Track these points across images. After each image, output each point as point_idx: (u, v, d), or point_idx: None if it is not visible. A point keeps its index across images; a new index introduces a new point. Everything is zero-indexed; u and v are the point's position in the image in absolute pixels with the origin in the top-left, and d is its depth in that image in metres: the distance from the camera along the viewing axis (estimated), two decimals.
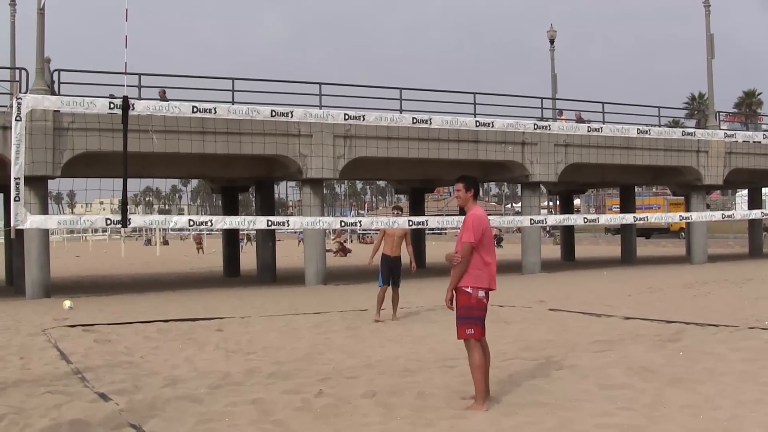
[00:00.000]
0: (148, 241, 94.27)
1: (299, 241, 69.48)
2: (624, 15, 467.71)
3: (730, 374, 9.64)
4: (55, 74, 26.77)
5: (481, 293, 8.66)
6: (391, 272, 17.48)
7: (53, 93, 26.69)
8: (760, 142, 36.41)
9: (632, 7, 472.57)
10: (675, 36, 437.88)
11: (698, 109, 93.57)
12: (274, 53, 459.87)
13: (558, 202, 58.50)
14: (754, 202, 52.42)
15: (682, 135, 16.74)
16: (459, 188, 9.01)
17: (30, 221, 9.84)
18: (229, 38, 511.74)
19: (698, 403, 8.34)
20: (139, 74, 27.55)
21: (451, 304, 8.79)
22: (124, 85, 12.19)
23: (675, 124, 67.01)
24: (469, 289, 8.61)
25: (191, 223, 12.24)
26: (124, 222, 10.32)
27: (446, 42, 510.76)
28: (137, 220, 11.52)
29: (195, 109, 10.90)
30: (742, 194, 71.21)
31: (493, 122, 13.54)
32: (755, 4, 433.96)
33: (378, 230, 19.35)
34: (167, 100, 24.50)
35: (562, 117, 38.67)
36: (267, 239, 35.93)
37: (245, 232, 70.82)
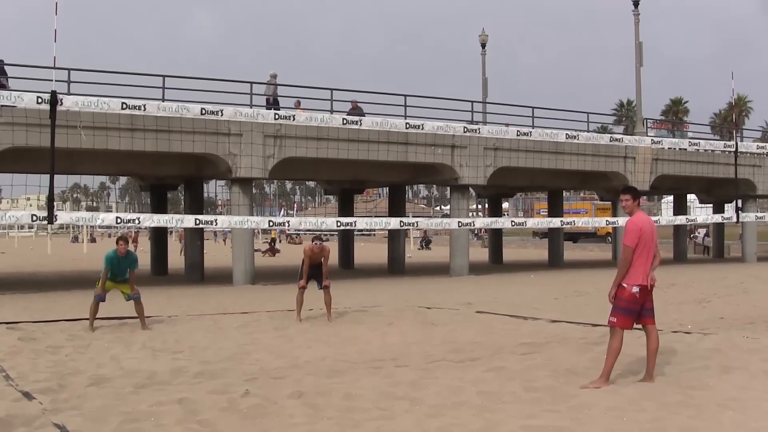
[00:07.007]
0: (75, 239, 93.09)
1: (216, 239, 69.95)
2: (557, 22, 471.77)
3: (653, 377, 9.78)
4: None
5: (635, 288, 9.49)
6: (314, 276, 17.37)
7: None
8: (685, 149, 37.19)
9: (565, 14, 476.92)
10: (606, 43, 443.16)
11: (626, 115, 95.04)
12: (205, 52, 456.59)
13: (487, 206, 58.86)
14: (679, 208, 53.44)
15: (610, 141, 17.02)
16: (627, 198, 9.89)
17: None
18: (160, 36, 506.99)
19: (622, 405, 8.44)
20: (69, 69, 27.12)
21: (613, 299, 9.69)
22: (52, 80, 11.98)
23: (603, 130, 68.05)
24: (624, 285, 9.53)
25: (119, 220, 12.14)
26: (51, 218, 10.20)
27: (381, 44, 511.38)
28: (64, 216, 11.38)
29: (124, 106, 10.81)
30: (668, 200, 72.44)
31: (423, 125, 13.63)
32: (683, 14, 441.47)
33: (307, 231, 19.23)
34: None
35: None
36: (195, 238, 35.74)
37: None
